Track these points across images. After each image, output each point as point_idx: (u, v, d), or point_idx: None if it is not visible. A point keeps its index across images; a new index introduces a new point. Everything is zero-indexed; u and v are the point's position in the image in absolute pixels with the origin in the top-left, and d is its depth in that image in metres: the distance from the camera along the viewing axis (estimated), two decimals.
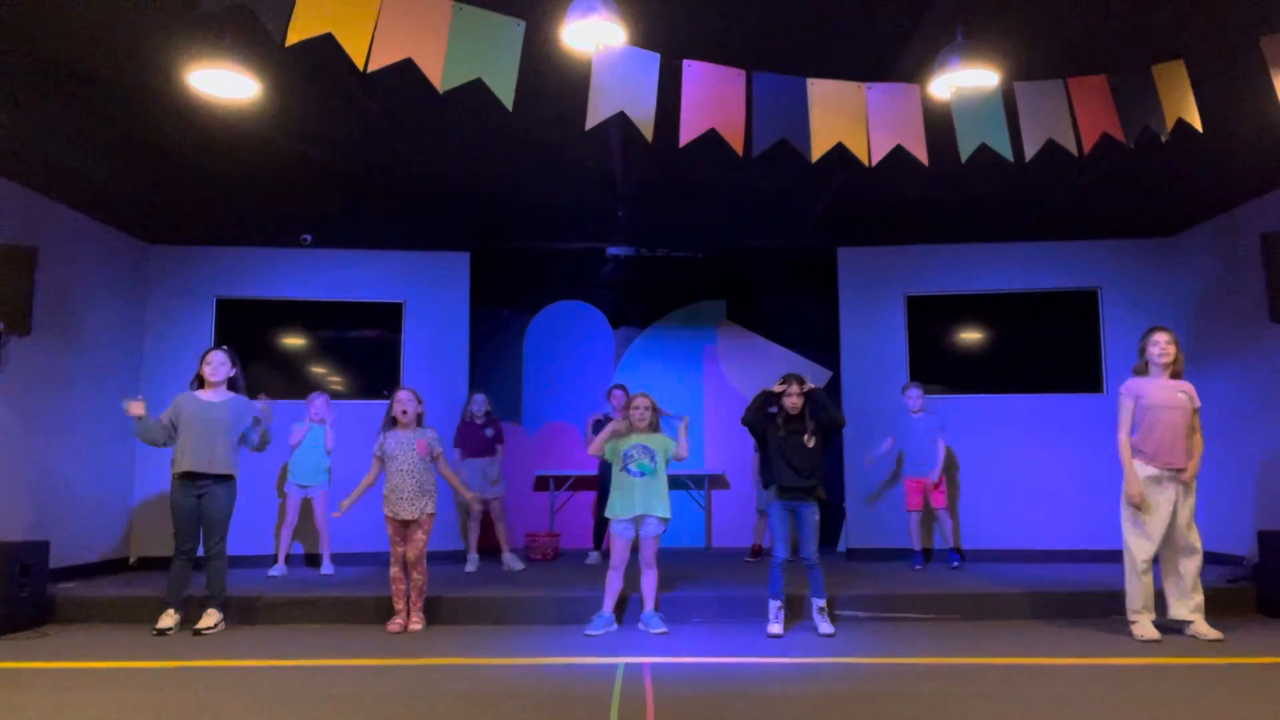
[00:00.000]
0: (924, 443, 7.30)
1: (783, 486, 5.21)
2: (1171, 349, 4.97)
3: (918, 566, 7.16)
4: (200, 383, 5.44)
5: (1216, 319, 7.25)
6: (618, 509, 5.28)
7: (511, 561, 7.26)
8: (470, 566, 7.19)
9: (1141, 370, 5.08)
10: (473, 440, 7.38)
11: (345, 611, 5.67)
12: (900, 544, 7.64)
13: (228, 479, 5.39)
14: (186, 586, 5.38)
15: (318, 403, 7.13)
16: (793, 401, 5.24)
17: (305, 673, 4.31)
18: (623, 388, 7.41)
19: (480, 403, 7.48)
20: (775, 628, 5.13)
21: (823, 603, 5.19)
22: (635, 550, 5.32)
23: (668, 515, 5.30)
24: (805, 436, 5.20)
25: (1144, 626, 4.89)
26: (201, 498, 5.31)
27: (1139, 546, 4.91)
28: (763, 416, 5.32)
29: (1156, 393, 4.95)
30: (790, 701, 3.70)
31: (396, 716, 3.51)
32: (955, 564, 7.21)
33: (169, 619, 5.26)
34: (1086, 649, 4.68)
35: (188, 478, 5.29)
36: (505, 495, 7.56)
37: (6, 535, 5.91)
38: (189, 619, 5.36)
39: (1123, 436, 4.99)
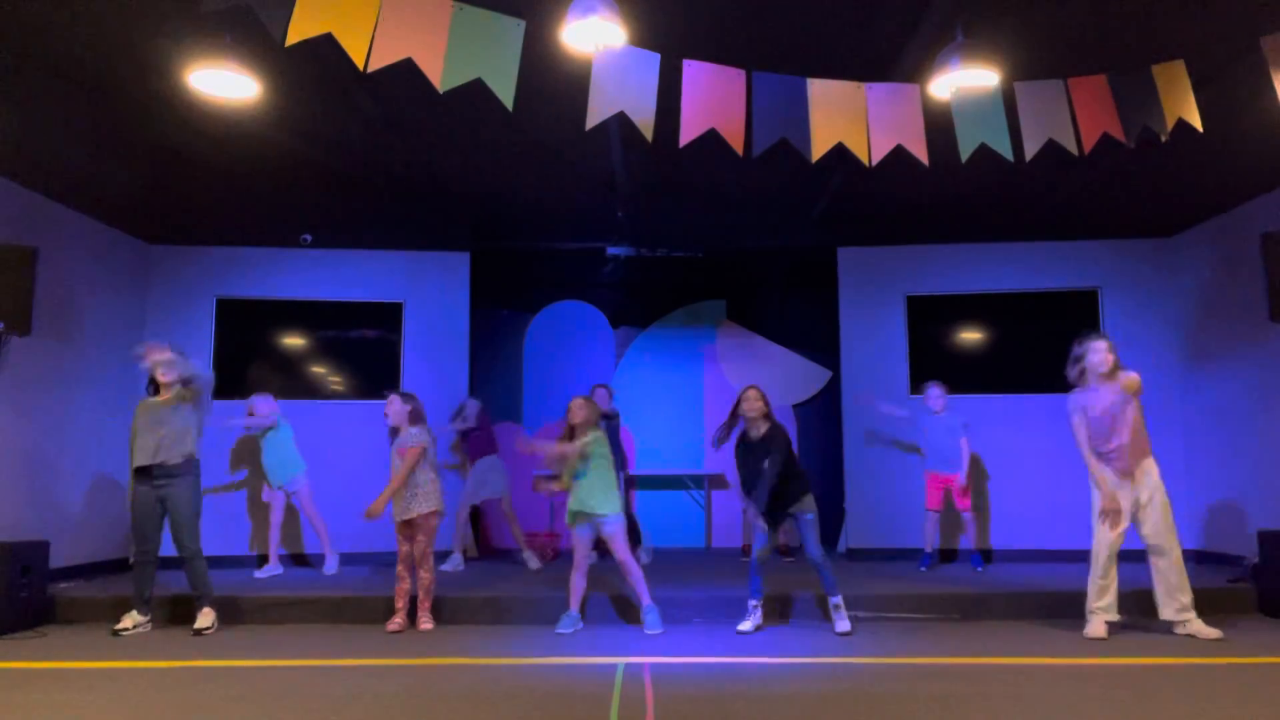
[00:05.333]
0: (945, 441, 7.19)
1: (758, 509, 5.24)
2: (1111, 356, 5.00)
3: (924, 568, 7.03)
4: (156, 387, 5.43)
5: (1216, 319, 7.25)
6: (570, 506, 5.34)
7: (530, 560, 7.31)
8: (448, 566, 7.14)
9: (1082, 381, 5.09)
10: (477, 440, 7.57)
11: (345, 611, 5.67)
12: (900, 544, 7.64)
13: (184, 472, 5.32)
14: (149, 587, 5.37)
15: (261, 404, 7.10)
16: (750, 405, 5.21)
17: (305, 673, 4.31)
18: (605, 386, 7.45)
19: (473, 406, 7.61)
20: (744, 625, 5.21)
21: (838, 600, 5.19)
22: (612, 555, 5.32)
23: (607, 511, 5.22)
24: (765, 461, 5.14)
25: (1093, 625, 4.96)
26: (163, 498, 5.30)
27: (1097, 547, 5.00)
28: (728, 437, 5.32)
29: (1100, 404, 4.99)
30: (790, 701, 3.70)
31: (396, 716, 3.51)
32: (979, 568, 7.03)
33: (129, 619, 5.28)
34: (1086, 649, 4.68)
35: (143, 473, 5.30)
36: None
37: (6, 535, 5.91)
38: (164, 619, 5.48)
39: (1085, 452, 5.04)
